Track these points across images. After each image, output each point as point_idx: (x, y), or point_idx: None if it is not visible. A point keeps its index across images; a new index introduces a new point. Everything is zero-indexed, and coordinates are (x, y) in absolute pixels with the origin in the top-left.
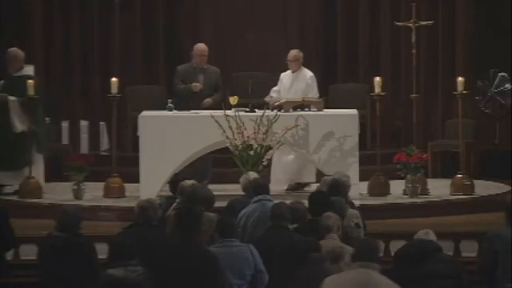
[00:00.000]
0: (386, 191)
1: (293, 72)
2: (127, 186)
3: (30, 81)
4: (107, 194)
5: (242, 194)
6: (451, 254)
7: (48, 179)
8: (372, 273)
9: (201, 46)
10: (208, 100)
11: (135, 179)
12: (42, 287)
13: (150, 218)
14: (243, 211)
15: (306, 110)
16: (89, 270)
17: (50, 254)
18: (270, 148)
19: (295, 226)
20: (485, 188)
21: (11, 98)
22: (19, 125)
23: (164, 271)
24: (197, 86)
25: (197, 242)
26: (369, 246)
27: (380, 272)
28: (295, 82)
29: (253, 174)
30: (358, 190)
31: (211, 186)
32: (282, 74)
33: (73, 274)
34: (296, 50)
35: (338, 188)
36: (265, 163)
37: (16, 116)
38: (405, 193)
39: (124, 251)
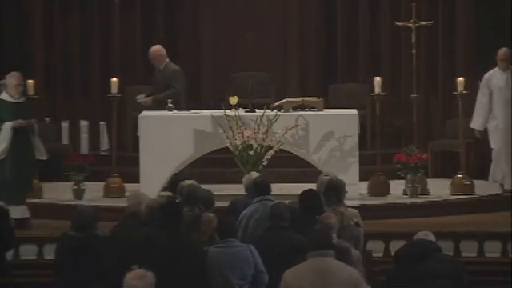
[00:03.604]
0: (386, 191)
1: (504, 70)
2: (127, 186)
3: (30, 81)
4: (107, 194)
5: (244, 193)
6: (451, 254)
7: (48, 179)
8: (329, 260)
9: (152, 48)
10: (145, 99)
11: (135, 179)
12: (57, 286)
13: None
14: (244, 212)
15: (306, 110)
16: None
17: (66, 254)
18: (270, 148)
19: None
20: (485, 188)
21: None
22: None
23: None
24: (139, 98)
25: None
26: (321, 234)
27: (335, 258)
28: (508, 80)
29: (255, 174)
30: (358, 190)
31: (211, 186)
32: (488, 75)
33: (88, 274)
34: (507, 49)
35: (335, 188)
36: (265, 163)
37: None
38: (405, 193)
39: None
